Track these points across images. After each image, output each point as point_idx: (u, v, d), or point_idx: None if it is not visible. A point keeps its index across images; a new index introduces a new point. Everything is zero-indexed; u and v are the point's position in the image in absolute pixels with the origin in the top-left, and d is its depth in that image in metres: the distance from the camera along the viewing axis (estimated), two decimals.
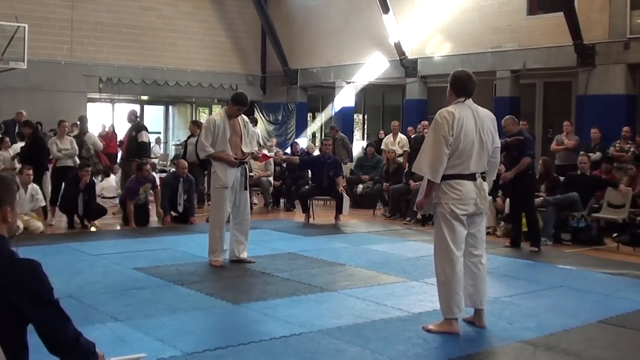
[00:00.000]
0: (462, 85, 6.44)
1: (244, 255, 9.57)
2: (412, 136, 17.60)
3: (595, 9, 16.44)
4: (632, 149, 14.26)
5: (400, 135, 17.81)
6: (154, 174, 16.22)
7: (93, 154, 16.38)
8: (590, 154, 13.86)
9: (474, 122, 6.29)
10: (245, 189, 9.57)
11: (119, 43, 22.87)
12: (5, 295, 3.03)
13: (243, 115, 9.66)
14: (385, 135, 18.46)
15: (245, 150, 9.53)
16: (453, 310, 6.35)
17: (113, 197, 15.51)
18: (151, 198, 13.67)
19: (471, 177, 6.29)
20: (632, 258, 10.98)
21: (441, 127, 6.21)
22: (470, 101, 6.42)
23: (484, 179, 6.42)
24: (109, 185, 16.08)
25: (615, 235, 12.15)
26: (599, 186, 12.69)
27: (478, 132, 6.30)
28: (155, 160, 22.89)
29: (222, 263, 9.36)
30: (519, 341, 6.21)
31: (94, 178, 14.10)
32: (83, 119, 17.22)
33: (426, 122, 17.56)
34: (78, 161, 13.83)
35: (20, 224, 11.86)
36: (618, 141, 14.53)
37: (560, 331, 6.54)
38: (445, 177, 6.27)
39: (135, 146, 16.28)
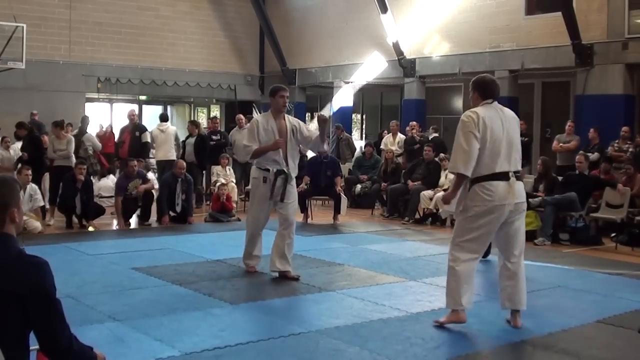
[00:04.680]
0: (487, 88, 6.61)
1: (286, 268, 8.58)
2: (404, 138, 17.59)
3: (594, 9, 16.45)
4: (630, 149, 14.28)
5: (400, 135, 17.81)
6: (150, 173, 16.26)
7: (91, 154, 16.39)
8: (589, 154, 13.88)
9: (500, 122, 6.40)
10: (283, 201, 8.54)
11: (117, 43, 22.85)
12: (13, 290, 3.07)
13: (292, 118, 8.83)
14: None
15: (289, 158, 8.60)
16: (460, 302, 6.46)
17: (110, 196, 15.49)
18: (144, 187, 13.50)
19: (504, 176, 6.34)
20: (630, 258, 11.00)
21: (468, 125, 6.32)
22: (496, 103, 6.55)
23: (518, 178, 6.49)
24: (106, 184, 16.07)
25: (613, 235, 12.18)
26: (597, 186, 12.69)
27: (505, 131, 6.39)
28: (154, 160, 22.88)
29: (254, 269, 8.95)
30: (518, 341, 6.23)
31: (91, 178, 14.08)
32: (84, 119, 17.24)
33: (415, 123, 17.58)
34: (74, 161, 13.80)
35: (36, 222, 11.95)
36: (616, 141, 14.54)
37: (558, 331, 6.56)
38: (478, 179, 6.33)
39: (139, 146, 16.35)
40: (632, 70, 16.36)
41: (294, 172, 8.66)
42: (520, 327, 6.60)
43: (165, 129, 16.65)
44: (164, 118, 17.33)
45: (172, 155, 16.05)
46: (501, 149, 6.33)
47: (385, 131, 18.77)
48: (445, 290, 6.62)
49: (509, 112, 6.62)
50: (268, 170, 8.47)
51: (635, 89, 16.77)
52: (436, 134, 17.67)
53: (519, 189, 6.44)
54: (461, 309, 6.50)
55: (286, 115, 8.71)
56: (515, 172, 6.43)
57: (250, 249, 9.00)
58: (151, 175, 15.43)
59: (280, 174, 8.46)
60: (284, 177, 8.49)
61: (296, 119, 8.88)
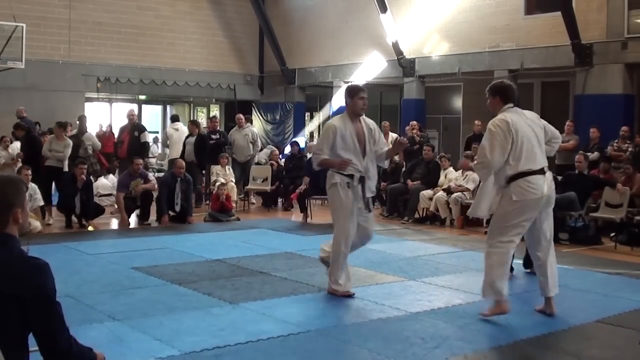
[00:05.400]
0: (509, 92, 6.92)
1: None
2: (396, 138, 17.52)
3: (593, 9, 16.46)
4: (630, 149, 14.29)
5: (392, 135, 17.78)
6: (150, 174, 16.27)
7: (91, 153, 16.39)
8: (589, 154, 13.88)
9: (525, 123, 6.72)
10: (370, 210, 7.81)
11: (117, 43, 22.86)
12: (14, 292, 3.07)
13: (367, 119, 7.97)
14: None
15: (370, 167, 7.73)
16: (501, 292, 6.73)
17: (109, 195, 15.49)
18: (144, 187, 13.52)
19: (540, 171, 6.67)
20: (629, 257, 10.99)
21: (496, 135, 6.61)
22: (516, 107, 6.86)
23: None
24: (105, 184, 16.07)
25: (612, 234, 12.18)
26: (596, 186, 12.69)
27: (533, 131, 6.73)
28: (153, 160, 22.91)
29: (349, 293, 7.70)
30: (518, 340, 6.23)
31: (91, 177, 14.09)
32: (82, 119, 17.24)
33: (415, 123, 17.57)
34: (67, 164, 13.77)
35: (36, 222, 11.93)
36: (616, 141, 14.55)
37: (558, 330, 6.56)
38: (519, 175, 6.63)
39: (138, 146, 16.38)
40: (631, 70, 16.37)
41: (374, 179, 7.85)
42: (554, 314, 6.92)
43: (180, 128, 17.29)
44: (175, 118, 17.72)
45: None
46: (534, 148, 6.67)
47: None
48: (483, 282, 6.83)
49: (530, 114, 6.97)
50: (351, 175, 7.57)
51: (634, 89, 16.78)
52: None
53: (550, 182, 6.80)
54: (504, 300, 6.74)
55: (362, 118, 7.86)
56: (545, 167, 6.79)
57: (338, 272, 7.72)
58: (152, 176, 15.43)
59: (363, 181, 7.63)
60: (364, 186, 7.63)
61: (372, 122, 8.00)
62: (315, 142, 7.47)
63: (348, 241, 7.66)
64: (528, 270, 8.98)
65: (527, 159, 6.60)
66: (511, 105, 6.83)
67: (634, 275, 9.40)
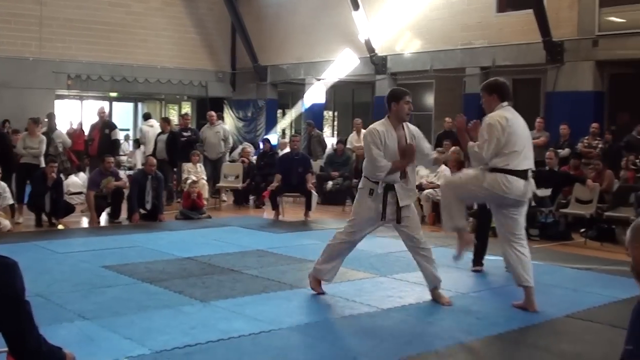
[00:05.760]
0: (505, 91, 7.04)
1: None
2: None
3: (564, 7, 16.59)
4: (600, 145, 14.43)
5: (364, 132, 17.83)
6: (121, 172, 16.18)
7: (61, 151, 16.30)
8: (559, 150, 14.00)
9: (520, 123, 6.91)
10: (399, 222, 7.35)
11: (88, 39, 22.69)
12: None
13: (411, 126, 7.46)
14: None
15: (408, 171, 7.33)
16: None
17: (80, 193, 15.40)
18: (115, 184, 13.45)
19: (524, 174, 6.82)
20: (599, 253, 11.08)
21: (494, 130, 6.73)
22: (510, 106, 7.00)
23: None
24: (75, 182, 15.98)
25: (582, 230, 12.29)
26: (566, 182, 12.79)
27: (525, 131, 6.97)
28: (124, 158, 22.80)
29: (319, 290, 7.69)
30: (488, 336, 6.26)
31: (61, 176, 13.99)
32: (51, 116, 17.13)
33: None
34: (43, 161, 13.67)
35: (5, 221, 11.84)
36: (586, 137, 14.68)
37: (528, 325, 6.60)
38: (502, 171, 6.78)
39: (108, 144, 16.30)
40: (602, 67, 16.52)
41: (412, 188, 7.48)
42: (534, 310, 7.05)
43: (154, 125, 17.56)
44: (148, 116, 17.97)
45: None
46: (524, 149, 6.83)
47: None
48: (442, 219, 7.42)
49: (519, 115, 7.05)
50: (377, 183, 7.21)
51: (604, 86, 16.95)
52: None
53: (531, 186, 6.95)
54: (465, 230, 7.40)
55: (405, 124, 7.34)
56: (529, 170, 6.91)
57: (325, 264, 7.64)
58: (123, 174, 15.36)
59: (390, 190, 7.19)
60: (394, 194, 7.20)
61: (415, 127, 7.53)
62: (365, 162, 6.82)
63: (349, 244, 7.57)
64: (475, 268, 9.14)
65: (515, 158, 6.73)
66: (507, 103, 6.95)
67: (604, 271, 9.48)
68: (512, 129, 6.74)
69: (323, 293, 7.63)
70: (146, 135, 17.44)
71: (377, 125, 7.27)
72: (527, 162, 6.84)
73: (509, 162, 6.73)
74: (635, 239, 3.36)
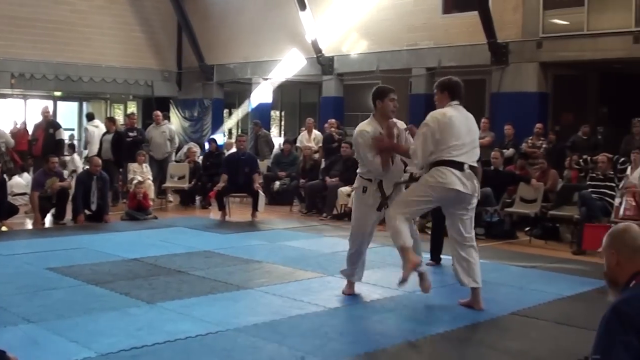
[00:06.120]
0: (456, 90, 7.10)
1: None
2: (318, 135, 17.66)
3: (509, 9, 16.77)
4: (544, 145, 14.64)
5: (315, 132, 17.88)
6: (65, 171, 15.98)
7: (4, 151, 16.05)
8: (504, 150, 14.18)
9: (462, 120, 6.93)
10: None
11: (32, 38, 22.28)
12: None
13: (398, 121, 7.51)
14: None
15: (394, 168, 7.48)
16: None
17: (24, 194, 15.19)
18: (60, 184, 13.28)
19: (459, 166, 6.82)
20: (543, 251, 11.26)
21: (426, 127, 6.86)
22: (459, 105, 7.03)
23: (473, 170, 6.95)
24: (19, 182, 15.76)
25: (527, 229, 12.46)
26: (511, 181, 12.96)
27: (468, 128, 6.97)
28: (69, 158, 22.50)
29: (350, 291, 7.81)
30: (434, 334, 6.31)
31: (4, 176, 13.78)
32: None
33: (333, 120, 17.69)
34: None
35: None
36: (530, 137, 14.89)
37: (474, 323, 6.68)
38: (438, 163, 6.84)
39: (53, 144, 16.10)
40: (545, 68, 16.76)
41: (397, 175, 7.55)
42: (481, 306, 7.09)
43: (99, 125, 17.58)
44: (92, 116, 17.73)
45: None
46: (463, 145, 6.85)
47: (303, 128, 18.81)
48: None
49: (469, 114, 7.12)
50: (370, 180, 7.43)
51: (548, 87, 17.20)
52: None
53: (472, 178, 6.92)
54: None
55: (394, 120, 7.45)
56: (471, 166, 6.91)
57: (350, 267, 7.87)
58: (67, 174, 15.18)
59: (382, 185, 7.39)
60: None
61: (402, 122, 7.62)
62: (361, 163, 6.92)
63: (362, 243, 7.76)
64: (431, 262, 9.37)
65: (452, 152, 6.78)
66: (457, 102, 7.01)
67: (548, 268, 9.63)
68: (451, 123, 6.80)
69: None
70: (92, 136, 17.25)
71: (365, 126, 7.40)
72: (465, 156, 6.85)
73: (444, 155, 6.78)
74: (611, 245, 3.40)
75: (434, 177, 6.80)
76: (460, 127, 6.86)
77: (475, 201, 7.12)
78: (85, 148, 18.85)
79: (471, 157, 6.94)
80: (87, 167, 14.74)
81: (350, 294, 7.73)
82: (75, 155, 20.01)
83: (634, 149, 12.78)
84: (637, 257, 3.32)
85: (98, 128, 17.29)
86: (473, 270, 7.08)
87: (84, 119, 22.98)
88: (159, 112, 17.44)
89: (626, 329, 3.03)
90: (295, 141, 18.31)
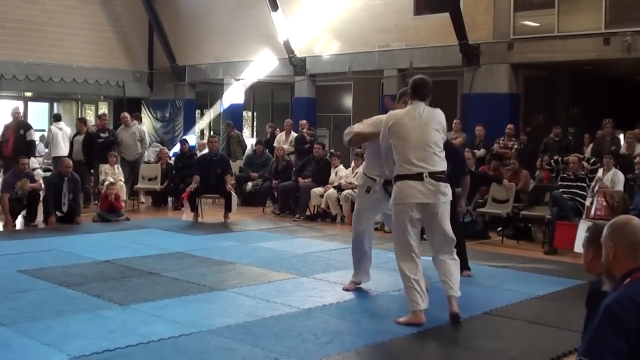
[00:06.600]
0: (416, 88, 7.01)
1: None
2: (295, 136, 17.66)
3: (480, 10, 16.85)
4: (515, 146, 14.74)
5: (293, 134, 17.86)
6: (39, 171, 15.87)
7: None
8: (475, 151, 14.26)
9: (415, 123, 6.67)
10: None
11: (1, 38, 22.04)
12: None
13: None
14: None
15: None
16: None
17: None
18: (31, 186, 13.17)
19: (417, 176, 6.52)
20: (515, 251, 11.34)
21: (369, 123, 7.20)
22: (421, 104, 6.83)
23: (439, 178, 6.61)
24: None
25: (499, 229, 12.52)
26: (483, 182, 13.02)
27: (423, 132, 6.67)
28: (40, 159, 22.33)
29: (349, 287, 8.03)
30: (407, 334, 6.33)
31: None
32: None
33: (305, 122, 17.67)
34: None
35: None
36: (502, 138, 14.98)
37: (448, 323, 6.69)
38: (396, 178, 6.65)
39: (24, 145, 15.96)
40: (517, 69, 16.87)
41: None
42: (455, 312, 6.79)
43: (63, 127, 17.35)
44: (58, 117, 17.58)
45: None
46: (416, 150, 6.59)
47: (277, 129, 18.75)
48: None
49: (435, 114, 6.95)
50: (375, 179, 7.52)
51: (520, 88, 17.32)
52: None
53: (437, 186, 6.59)
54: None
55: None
56: (434, 173, 6.59)
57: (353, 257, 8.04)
58: (38, 175, 15.04)
59: (388, 185, 7.26)
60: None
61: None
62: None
63: (362, 243, 7.86)
64: None
65: (406, 162, 6.56)
66: (417, 101, 6.83)
67: (520, 268, 9.70)
68: (396, 129, 6.68)
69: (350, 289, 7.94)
70: (55, 137, 17.10)
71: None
72: (421, 164, 6.54)
73: (402, 167, 6.57)
74: (610, 237, 3.35)
75: (395, 194, 6.68)
76: (408, 129, 6.66)
77: (442, 207, 6.74)
78: (47, 148, 18.72)
79: (431, 163, 6.61)
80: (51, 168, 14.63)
81: (347, 290, 7.96)
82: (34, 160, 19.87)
83: (604, 150, 12.89)
84: (634, 252, 3.28)
85: (62, 130, 17.12)
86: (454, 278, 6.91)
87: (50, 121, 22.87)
88: (126, 114, 17.32)
89: (616, 332, 3.03)
90: (267, 142, 18.26)
